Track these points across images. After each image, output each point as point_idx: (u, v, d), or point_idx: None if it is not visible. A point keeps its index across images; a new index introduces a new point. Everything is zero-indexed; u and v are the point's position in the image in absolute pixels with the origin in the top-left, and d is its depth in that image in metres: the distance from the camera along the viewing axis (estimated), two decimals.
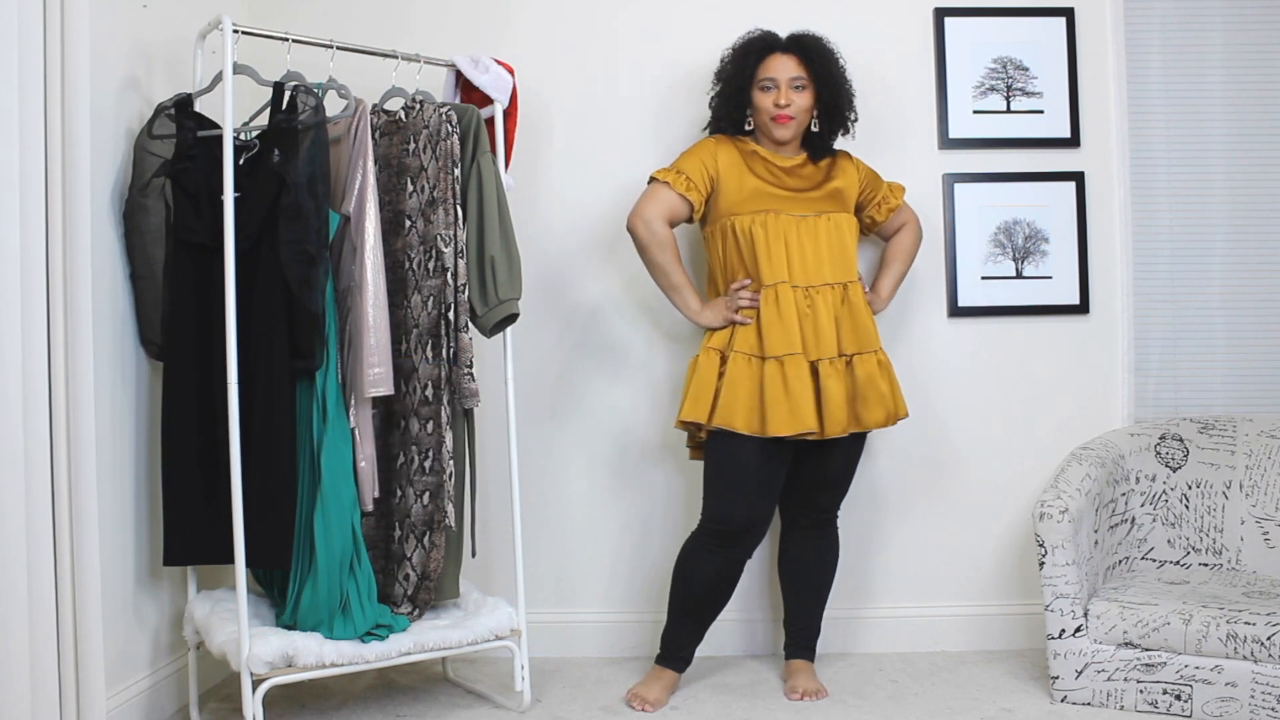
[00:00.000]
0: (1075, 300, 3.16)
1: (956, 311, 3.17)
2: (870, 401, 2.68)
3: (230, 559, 2.39)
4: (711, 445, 2.71)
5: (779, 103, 2.72)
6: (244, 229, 2.41)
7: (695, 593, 2.75)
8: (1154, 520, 2.99)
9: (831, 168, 2.82)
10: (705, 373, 2.69)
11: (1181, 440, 3.03)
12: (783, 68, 2.74)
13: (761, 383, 2.63)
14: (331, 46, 2.58)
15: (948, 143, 3.17)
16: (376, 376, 2.51)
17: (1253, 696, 2.49)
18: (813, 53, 2.75)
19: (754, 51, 2.77)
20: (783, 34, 2.80)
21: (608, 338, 3.18)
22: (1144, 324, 3.22)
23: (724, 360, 2.69)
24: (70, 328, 2.29)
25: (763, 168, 2.77)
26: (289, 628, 2.49)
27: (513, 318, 2.67)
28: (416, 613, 2.63)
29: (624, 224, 2.84)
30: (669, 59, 3.15)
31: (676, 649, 2.81)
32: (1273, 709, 2.47)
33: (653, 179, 2.78)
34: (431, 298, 2.60)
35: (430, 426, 2.60)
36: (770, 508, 2.74)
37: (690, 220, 2.81)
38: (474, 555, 2.76)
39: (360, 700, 2.79)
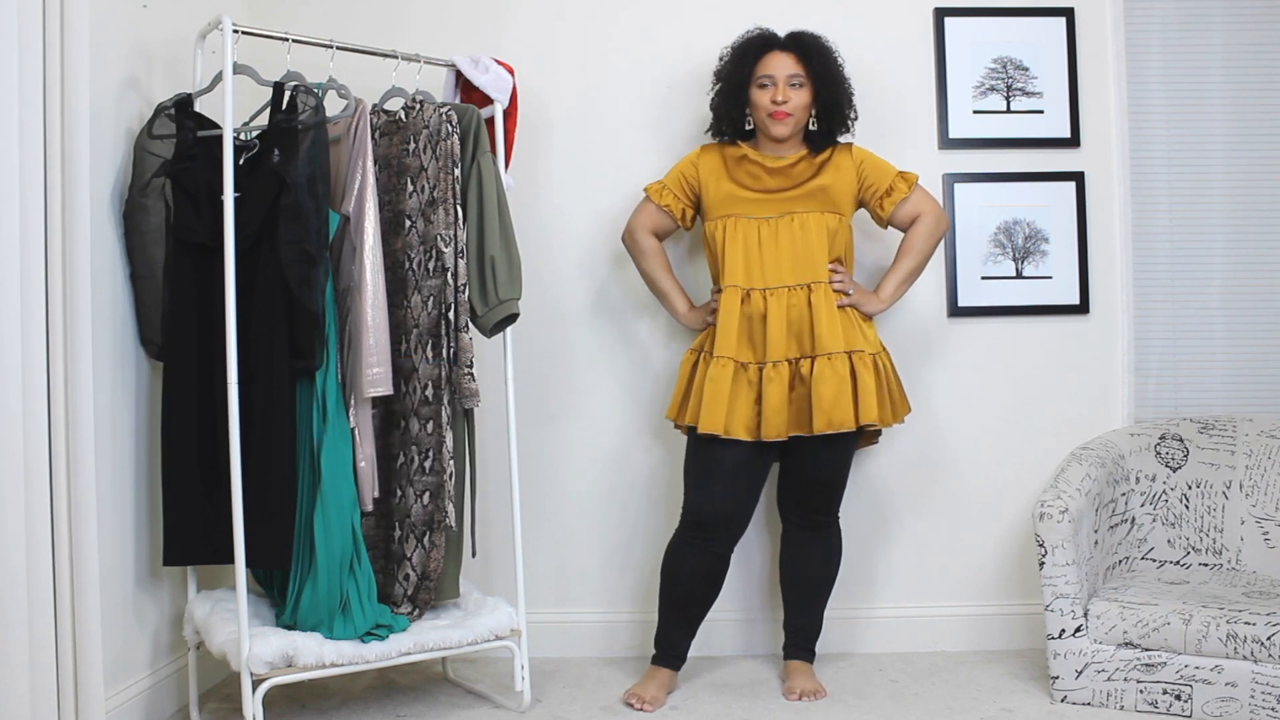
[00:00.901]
0: (1075, 300, 3.16)
1: (956, 311, 3.17)
2: (814, 406, 2.65)
3: (230, 559, 2.39)
4: (689, 439, 2.77)
5: (776, 99, 2.73)
6: (244, 229, 2.41)
7: (682, 589, 2.77)
8: (1154, 520, 2.99)
9: (824, 165, 2.81)
10: (682, 371, 2.84)
11: (1181, 440, 3.03)
12: (780, 65, 2.74)
13: (704, 382, 2.72)
14: (331, 46, 2.58)
15: (948, 143, 3.17)
16: (376, 376, 2.51)
17: (1253, 696, 2.49)
18: (811, 51, 2.75)
19: (752, 49, 2.78)
20: (782, 33, 2.81)
21: (608, 337, 3.18)
22: (1144, 324, 3.22)
23: (699, 358, 2.80)
24: (70, 328, 2.29)
25: (745, 171, 2.79)
26: (289, 628, 2.49)
27: (513, 318, 2.67)
28: (416, 613, 2.63)
29: (625, 223, 2.97)
30: (669, 59, 3.15)
31: (669, 647, 2.81)
32: (1273, 709, 2.47)
33: (645, 191, 2.92)
34: (431, 298, 2.60)
35: (430, 426, 2.60)
36: (747, 501, 2.75)
37: (684, 227, 2.91)
38: (474, 555, 2.76)
39: (360, 700, 2.79)
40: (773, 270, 2.72)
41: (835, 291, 2.74)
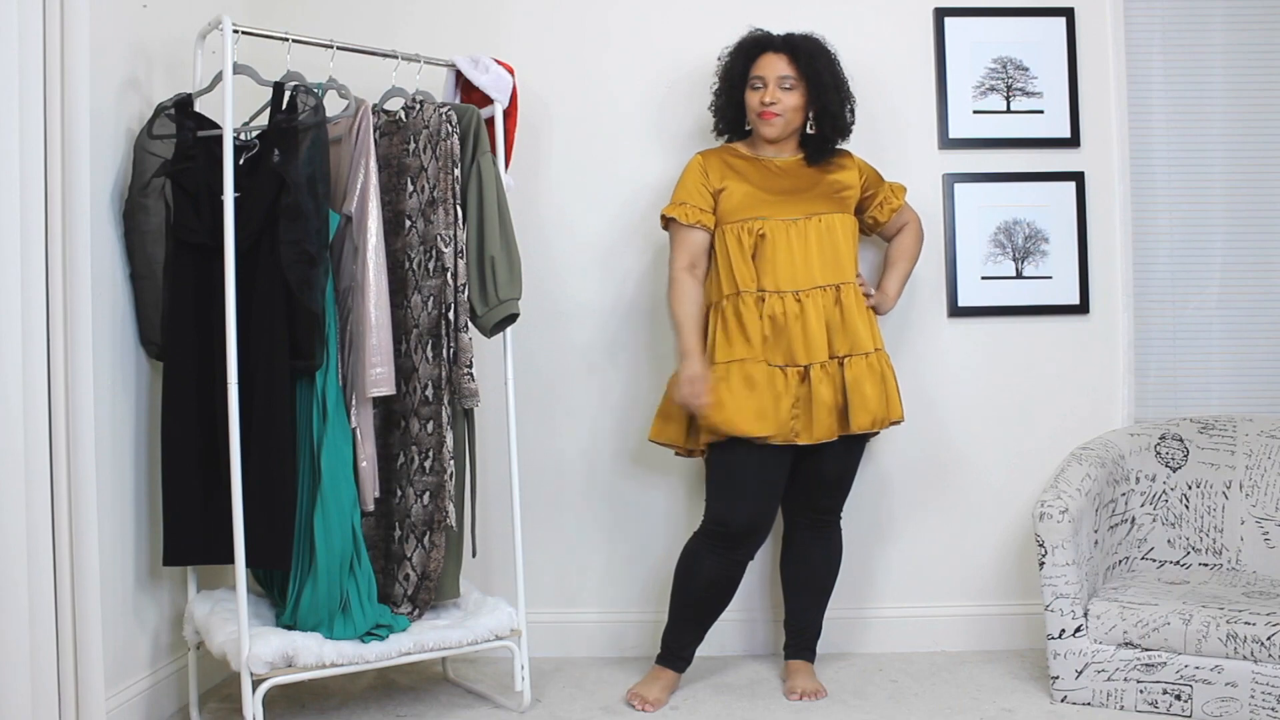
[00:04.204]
0: (1075, 300, 3.16)
1: (956, 311, 3.17)
2: (854, 405, 2.66)
3: (230, 559, 2.39)
4: (714, 448, 2.71)
5: (765, 100, 2.73)
6: (244, 229, 2.41)
7: (696, 593, 2.75)
8: (1154, 520, 2.99)
9: (830, 167, 2.83)
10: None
11: (1181, 440, 3.03)
12: (772, 67, 2.75)
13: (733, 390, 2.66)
14: (331, 46, 2.58)
15: (948, 143, 3.17)
16: (379, 376, 2.51)
17: (1253, 696, 2.49)
18: (801, 52, 2.75)
19: (744, 51, 2.80)
20: (781, 33, 2.81)
21: (608, 337, 3.18)
22: (1144, 324, 3.22)
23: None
24: (70, 328, 2.29)
25: (755, 172, 2.79)
26: (289, 628, 2.49)
27: (513, 318, 2.67)
28: (416, 613, 2.63)
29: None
30: (668, 58, 3.16)
31: (677, 649, 2.81)
32: (1273, 709, 2.47)
33: (664, 217, 2.82)
34: (431, 298, 2.60)
35: (430, 426, 2.60)
36: (772, 510, 2.74)
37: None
38: (474, 555, 2.76)
39: (360, 700, 2.79)
40: (804, 272, 2.70)
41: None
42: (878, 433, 2.88)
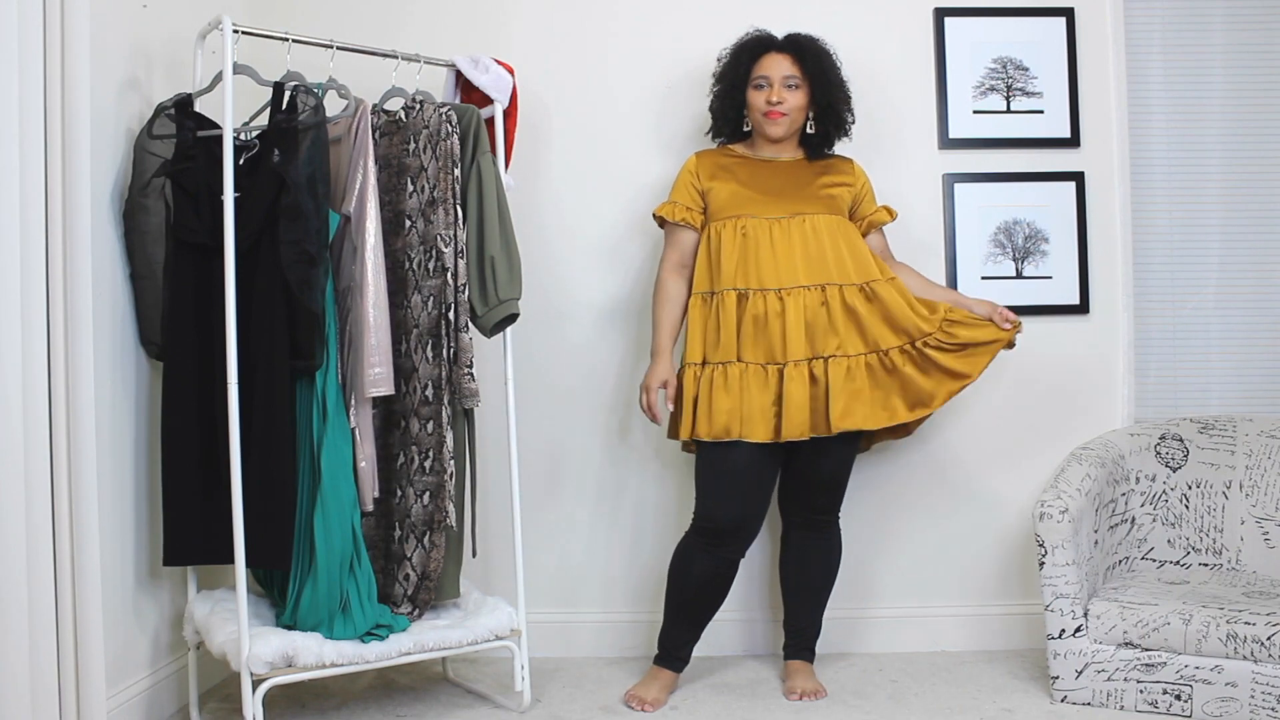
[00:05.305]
0: (1075, 300, 3.16)
1: None
2: (831, 404, 2.63)
3: (230, 559, 2.39)
4: (702, 446, 2.72)
5: (771, 100, 2.74)
6: (244, 229, 2.41)
7: (689, 592, 2.75)
8: (1154, 520, 2.99)
9: (830, 170, 2.83)
10: (684, 388, 2.74)
11: (1181, 440, 3.03)
12: (776, 66, 2.75)
13: (716, 389, 2.67)
14: (331, 46, 2.58)
15: (948, 143, 3.17)
16: (377, 376, 2.51)
17: (1253, 696, 2.49)
18: (806, 52, 2.76)
19: (748, 51, 2.80)
20: (780, 34, 2.82)
21: (608, 337, 3.18)
22: (1144, 324, 3.22)
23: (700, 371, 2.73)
24: (70, 328, 2.29)
25: (746, 171, 2.79)
26: (289, 628, 2.49)
27: (513, 318, 2.67)
28: (416, 613, 2.63)
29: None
30: (668, 58, 3.16)
31: (673, 649, 2.81)
32: (1273, 709, 2.47)
33: (655, 216, 2.86)
34: (431, 298, 2.61)
35: (430, 426, 2.60)
36: (761, 507, 2.74)
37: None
38: (474, 555, 2.76)
39: (360, 700, 2.80)
40: (787, 271, 2.69)
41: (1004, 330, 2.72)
42: (873, 444, 2.89)
